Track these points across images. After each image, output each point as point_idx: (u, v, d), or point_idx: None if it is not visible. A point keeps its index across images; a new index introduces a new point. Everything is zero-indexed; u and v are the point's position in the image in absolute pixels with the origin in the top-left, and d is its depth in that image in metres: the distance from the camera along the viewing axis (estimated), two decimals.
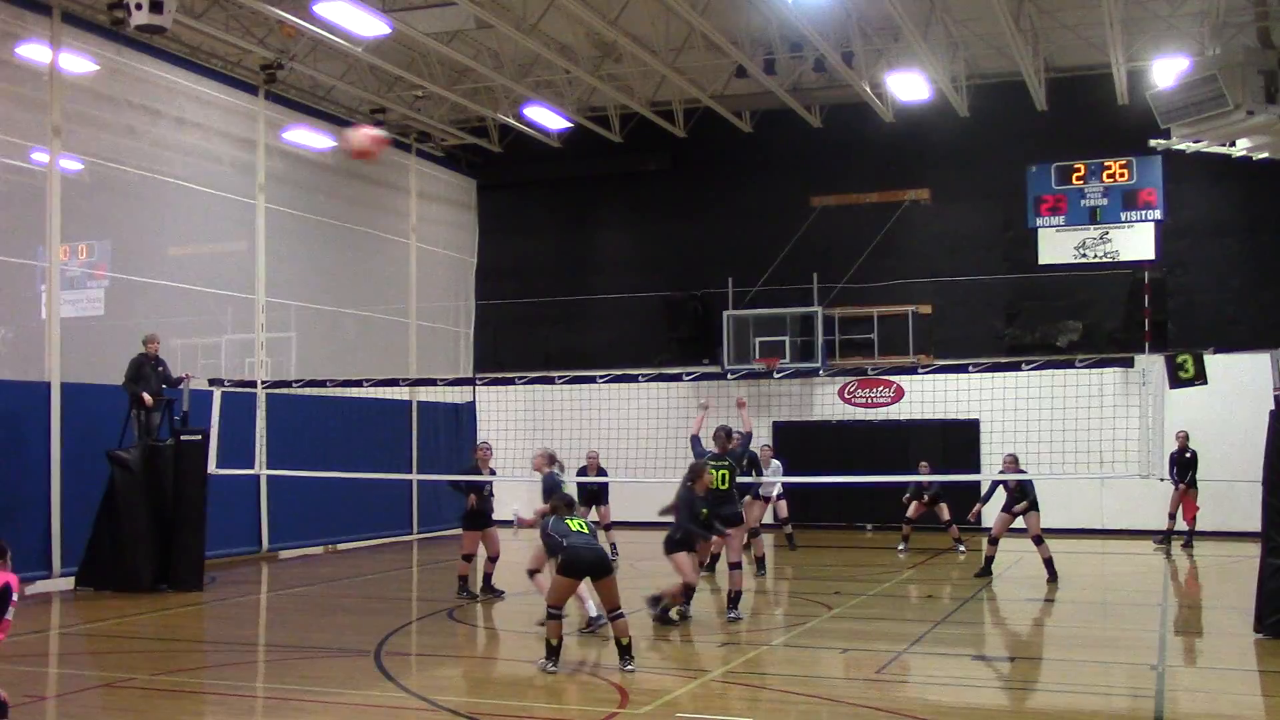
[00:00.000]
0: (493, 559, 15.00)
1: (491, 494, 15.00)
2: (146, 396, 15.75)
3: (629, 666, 10.05)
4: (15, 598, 7.38)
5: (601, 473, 18.89)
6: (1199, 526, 20.38)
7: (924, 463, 19.42)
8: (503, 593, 14.84)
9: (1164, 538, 20.24)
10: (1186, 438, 19.75)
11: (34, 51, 16.42)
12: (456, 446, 24.05)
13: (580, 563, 10.18)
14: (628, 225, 27.05)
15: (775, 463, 19.07)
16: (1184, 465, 19.72)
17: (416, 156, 25.11)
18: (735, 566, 13.16)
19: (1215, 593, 16.40)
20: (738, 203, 25.77)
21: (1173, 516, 20.12)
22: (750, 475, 16.35)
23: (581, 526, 10.48)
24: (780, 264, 24.50)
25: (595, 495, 19.01)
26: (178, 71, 18.86)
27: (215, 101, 19.64)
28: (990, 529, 16.89)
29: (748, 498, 17.05)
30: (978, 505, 17.77)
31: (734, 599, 13.02)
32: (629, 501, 19.99)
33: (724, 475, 13.00)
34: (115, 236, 18.25)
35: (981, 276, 24.13)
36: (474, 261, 26.92)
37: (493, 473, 15.18)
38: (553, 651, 10.13)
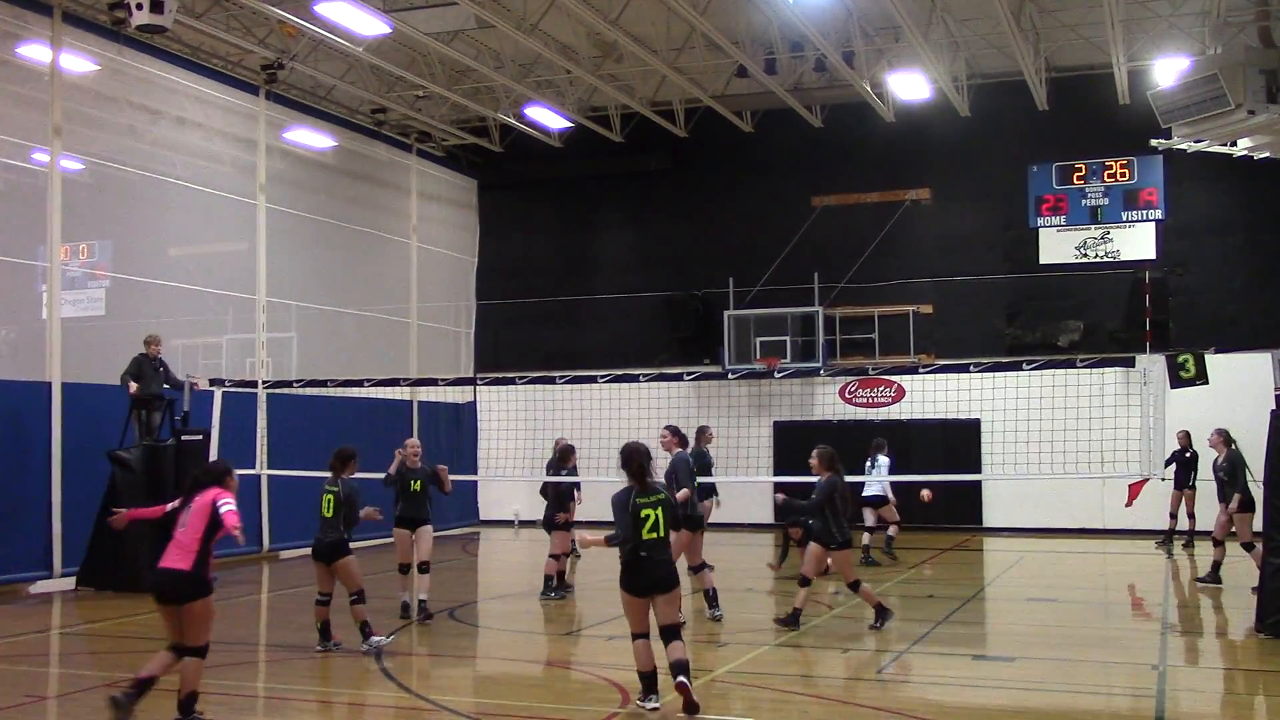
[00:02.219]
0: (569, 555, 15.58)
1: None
2: (133, 384, 15.69)
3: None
4: (226, 506, 8.31)
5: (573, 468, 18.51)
6: (1199, 526, 20.33)
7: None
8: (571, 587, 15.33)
9: (1165, 538, 20.21)
10: (1189, 437, 19.69)
11: (35, 51, 16.44)
12: (458, 446, 24.05)
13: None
14: (628, 225, 27.04)
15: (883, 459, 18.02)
16: (1185, 465, 19.67)
17: (417, 156, 25.13)
18: (702, 567, 13.11)
19: (1216, 592, 16.38)
20: (738, 202, 25.76)
21: (1174, 516, 20.08)
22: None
23: (327, 509, 11.12)
24: (781, 264, 24.49)
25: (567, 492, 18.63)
26: (178, 71, 18.88)
27: (216, 101, 19.65)
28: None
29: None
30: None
31: (711, 597, 13.08)
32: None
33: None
34: (116, 236, 18.27)
35: (982, 276, 24.12)
36: (474, 261, 26.95)
37: (573, 471, 15.51)
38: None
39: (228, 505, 8.33)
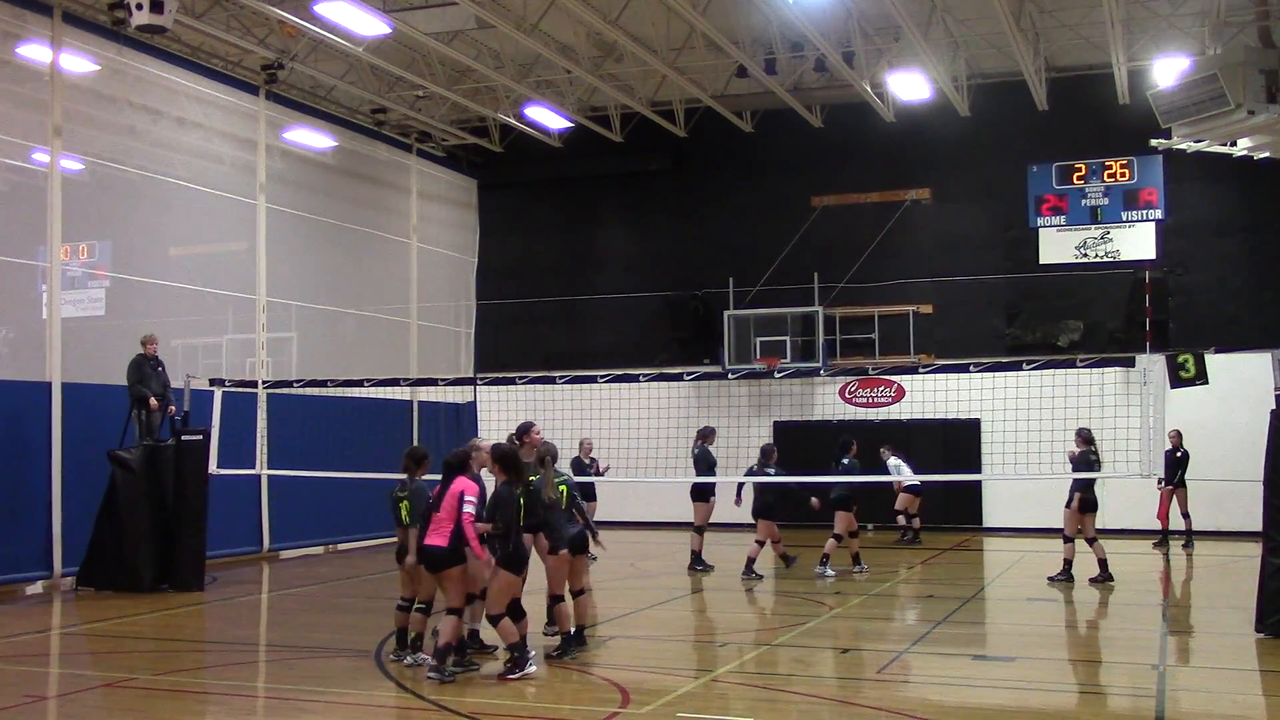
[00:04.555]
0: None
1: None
2: (153, 400, 15.76)
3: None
4: (469, 499, 9.65)
5: (594, 464, 18.86)
6: (1197, 526, 20.35)
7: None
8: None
9: (1162, 539, 20.22)
10: (1179, 436, 19.64)
11: (35, 52, 16.42)
12: (458, 447, 23.97)
13: None
14: (629, 225, 27.04)
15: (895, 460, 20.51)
16: (1174, 465, 19.64)
17: (417, 156, 25.11)
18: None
19: (1216, 592, 16.39)
20: (738, 202, 25.76)
21: (1165, 516, 20.09)
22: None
23: (406, 516, 10.77)
24: (781, 264, 24.49)
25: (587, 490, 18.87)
26: (178, 71, 18.87)
27: (216, 101, 19.64)
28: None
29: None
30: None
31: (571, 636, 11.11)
32: (630, 501, 19.98)
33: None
34: (116, 236, 18.26)
35: (982, 276, 24.13)
36: (475, 261, 26.92)
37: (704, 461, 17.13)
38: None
39: (470, 506, 9.65)
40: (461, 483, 9.84)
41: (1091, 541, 15.82)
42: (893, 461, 20.72)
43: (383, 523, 21.65)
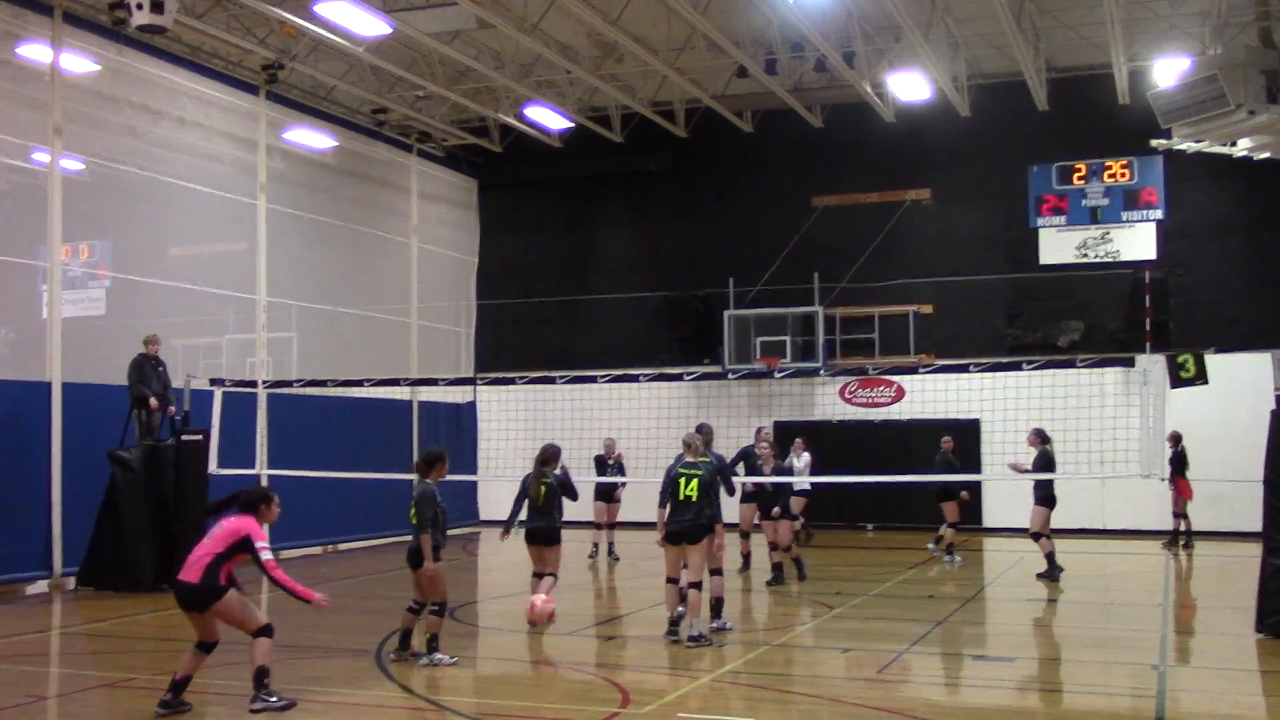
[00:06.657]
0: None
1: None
2: (153, 400, 15.78)
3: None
4: (262, 545, 9.06)
5: (619, 465, 18.78)
6: (1197, 526, 20.32)
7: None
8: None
9: (1187, 539, 20.15)
10: (1176, 438, 19.50)
11: (35, 51, 16.45)
12: (458, 446, 23.98)
13: None
14: (629, 225, 27.04)
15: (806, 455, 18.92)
16: (1175, 462, 19.55)
17: (417, 156, 25.13)
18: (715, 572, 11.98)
19: (1216, 593, 16.39)
20: (739, 202, 25.76)
21: (1180, 515, 20.02)
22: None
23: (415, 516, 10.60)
24: (781, 264, 24.49)
25: (607, 491, 18.84)
26: (179, 71, 18.89)
27: (216, 101, 19.66)
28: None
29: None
30: None
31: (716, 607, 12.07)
32: (630, 502, 19.92)
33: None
34: (116, 236, 18.28)
35: (982, 276, 24.12)
36: (475, 261, 26.95)
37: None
38: None
39: (266, 553, 9.09)
40: (249, 525, 9.21)
41: (1037, 537, 16.01)
42: (806, 459, 19.04)
43: (382, 523, 21.89)
